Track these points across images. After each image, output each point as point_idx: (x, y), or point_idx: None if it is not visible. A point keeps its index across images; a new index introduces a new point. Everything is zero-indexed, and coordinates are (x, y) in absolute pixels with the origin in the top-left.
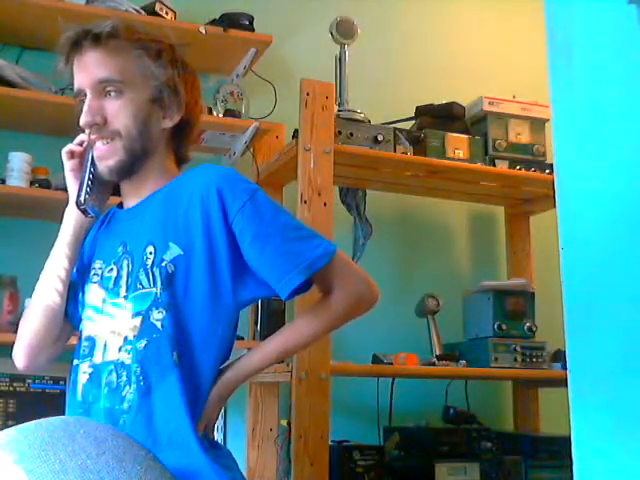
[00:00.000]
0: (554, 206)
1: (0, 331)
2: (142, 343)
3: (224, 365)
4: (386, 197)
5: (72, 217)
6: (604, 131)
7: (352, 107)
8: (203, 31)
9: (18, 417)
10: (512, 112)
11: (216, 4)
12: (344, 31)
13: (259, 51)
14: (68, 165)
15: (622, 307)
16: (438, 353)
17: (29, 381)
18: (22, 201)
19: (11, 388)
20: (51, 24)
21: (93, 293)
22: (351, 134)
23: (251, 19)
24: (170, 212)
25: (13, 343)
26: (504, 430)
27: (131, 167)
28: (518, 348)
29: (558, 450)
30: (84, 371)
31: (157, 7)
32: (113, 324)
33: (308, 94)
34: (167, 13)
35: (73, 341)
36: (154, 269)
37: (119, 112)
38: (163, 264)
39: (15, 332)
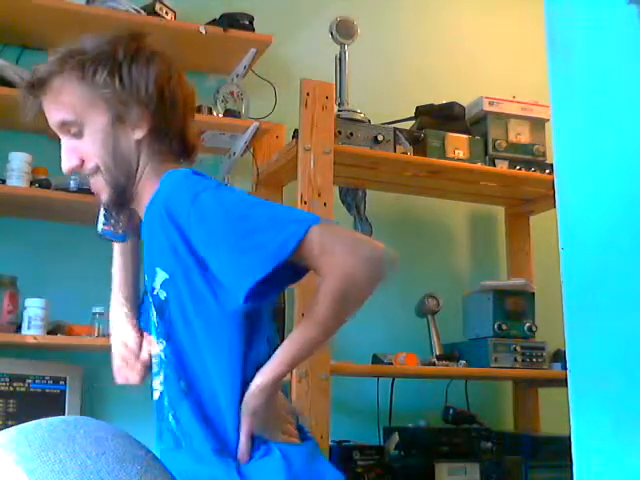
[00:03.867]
0: (554, 206)
1: (0, 331)
2: (161, 374)
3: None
4: (386, 197)
5: (115, 244)
6: (604, 131)
7: (352, 107)
8: (203, 31)
9: (18, 417)
10: (512, 112)
11: (216, 4)
12: (344, 31)
13: (259, 51)
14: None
15: (622, 307)
16: (438, 353)
17: (29, 381)
18: (22, 201)
19: (11, 388)
20: (51, 24)
21: (146, 317)
22: (351, 134)
23: (251, 19)
24: (153, 235)
25: (13, 343)
26: (504, 430)
27: (123, 195)
28: (518, 348)
29: (558, 450)
30: (155, 388)
31: (157, 7)
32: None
33: (308, 94)
34: (167, 13)
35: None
36: (150, 298)
37: (88, 149)
38: (155, 292)
39: (15, 332)
